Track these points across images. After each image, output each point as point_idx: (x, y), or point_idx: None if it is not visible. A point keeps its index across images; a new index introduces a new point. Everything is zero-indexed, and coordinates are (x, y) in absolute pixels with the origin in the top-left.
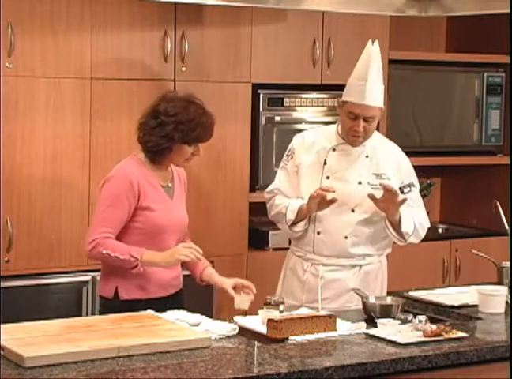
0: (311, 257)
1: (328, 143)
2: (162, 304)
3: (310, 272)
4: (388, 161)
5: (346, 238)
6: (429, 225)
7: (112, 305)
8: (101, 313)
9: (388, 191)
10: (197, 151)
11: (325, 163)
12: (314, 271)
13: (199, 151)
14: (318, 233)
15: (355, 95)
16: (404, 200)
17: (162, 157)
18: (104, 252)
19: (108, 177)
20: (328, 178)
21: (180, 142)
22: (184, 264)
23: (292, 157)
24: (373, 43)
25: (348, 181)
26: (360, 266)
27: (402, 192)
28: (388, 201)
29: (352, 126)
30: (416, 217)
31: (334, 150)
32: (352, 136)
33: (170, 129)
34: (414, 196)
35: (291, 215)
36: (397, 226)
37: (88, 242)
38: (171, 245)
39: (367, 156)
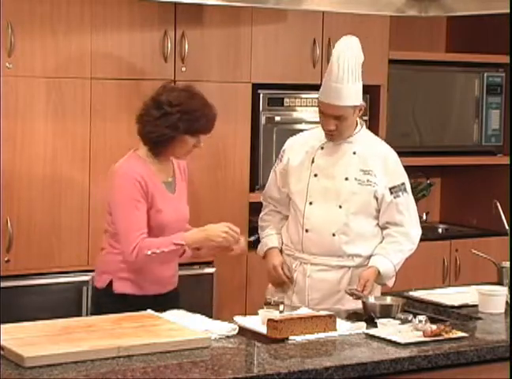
0: (300, 256)
1: (317, 142)
2: (155, 302)
3: (299, 272)
4: (375, 158)
5: (334, 235)
6: (420, 232)
7: (104, 297)
8: (92, 303)
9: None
10: (198, 143)
11: (312, 162)
12: (302, 270)
13: (200, 143)
14: (307, 231)
15: (324, 93)
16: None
17: (164, 148)
18: (149, 252)
19: (115, 184)
20: (316, 175)
21: (183, 133)
22: None
23: (281, 160)
24: (348, 37)
25: (335, 177)
26: (349, 267)
27: (391, 193)
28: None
29: (325, 125)
30: (391, 248)
31: (322, 148)
32: (326, 133)
33: (174, 119)
34: (404, 201)
35: (260, 253)
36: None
37: (129, 251)
38: None
39: (354, 153)
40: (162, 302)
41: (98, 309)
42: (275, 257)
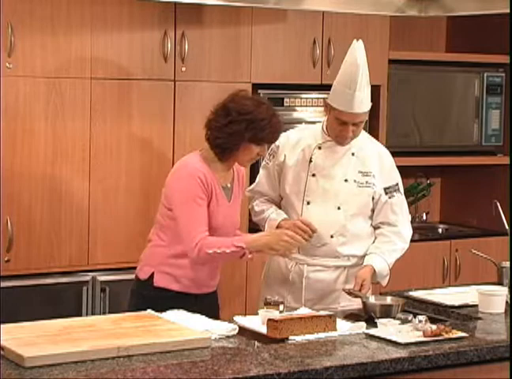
0: (296, 257)
1: (313, 141)
2: (194, 300)
3: (295, 272)
4: (372, 159)
5: (332, 237)
6: (411, 232)
7: (144, 289)
8: (133, 293)
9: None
10: (262, 152)
11: (310, 161)
12: (298, 270)
13: (264, 151)
14: None
15: (343, 103)
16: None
17: (229, 155)
18: (210, 251)
19: (178, 181)
20: (314, 175)
21: (249, 141)
22: None
23: (274, 156)
24: (357, 41)
25: (334, 178)
26: (345, 267)
27: (386, 193)
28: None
29: (341, 131)
30: (385, 247)
31: (320, 148)
32: (341, 139)
33: (241, 128)
34: (398, 201)
35: (270, 223)
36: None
37: (192, 248)
38: None
39: (352, 154)
40: (200, 302)
41: (137, 300)
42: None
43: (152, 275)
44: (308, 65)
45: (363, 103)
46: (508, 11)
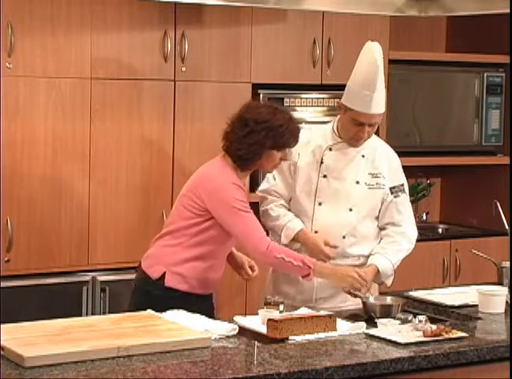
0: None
1: (324, 142)
2: (193, 300)
3: None
4: (381, 160)
5: (344, 237)
6: (416, 233)
7: (153, 287)
8: (135, 290)
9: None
10: (284, 156)
11: (321, 162)
12: None
13: (286, 155)
14: (316, 232)
15: (361, 104)
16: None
17: (251, 164)
18: (279, 256)
19: (214, 187)
20: (325, 177)
21: (270, 148)
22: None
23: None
24: (372, 42)
25: (346, 180)
26: (354, 266)
27: (391, 193)
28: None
29: (357, 132)
30: (389, 247)
31: (331, 149)
32: (356, 140)
33: (260, 137)
34: (403, 201)
35: (285, 241)
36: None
37: (261, 249)
38: (228, 249)
39: (363, 156)
40: (200, 302)
41: (140, 298)
42: (314, 235)
43: (163, 275)
44: (308, 65)
45: (380, 104)
46: (508, 11)
